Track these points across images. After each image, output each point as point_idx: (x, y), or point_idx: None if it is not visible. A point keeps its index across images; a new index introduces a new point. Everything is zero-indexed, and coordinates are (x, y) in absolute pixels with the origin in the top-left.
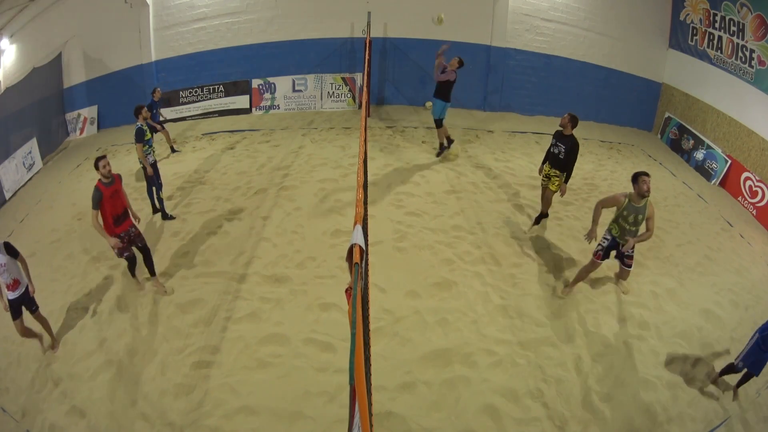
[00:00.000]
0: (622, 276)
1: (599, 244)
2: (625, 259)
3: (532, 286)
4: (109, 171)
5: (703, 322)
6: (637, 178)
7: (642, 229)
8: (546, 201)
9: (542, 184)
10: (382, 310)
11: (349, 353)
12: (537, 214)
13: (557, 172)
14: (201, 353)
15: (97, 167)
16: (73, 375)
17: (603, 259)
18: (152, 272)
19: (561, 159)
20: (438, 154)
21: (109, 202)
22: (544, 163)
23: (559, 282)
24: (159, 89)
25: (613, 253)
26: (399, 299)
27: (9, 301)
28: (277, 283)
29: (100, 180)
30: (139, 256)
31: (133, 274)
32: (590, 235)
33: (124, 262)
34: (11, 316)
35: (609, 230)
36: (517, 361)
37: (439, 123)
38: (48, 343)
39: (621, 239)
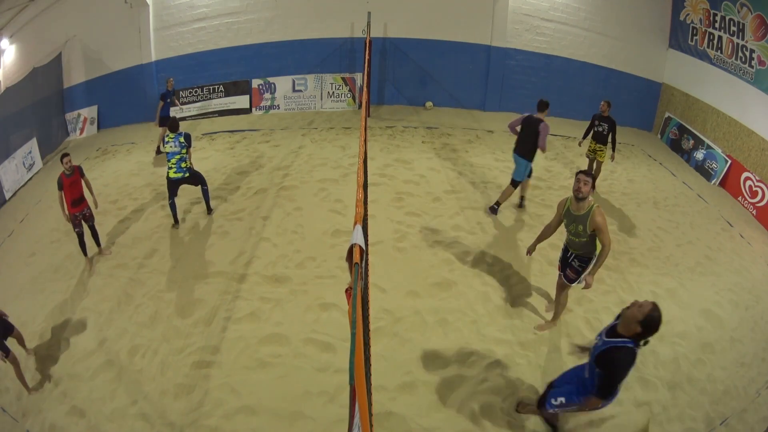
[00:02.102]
0: (559, 292)
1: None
2: (567, 271)
3: (532, 285)
4: (71, 166)
5: (703, 322)
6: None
7: (592, 245)
8: (597, 171)
9: (589, 157)
10: (382, 310)
11: (349, 353)
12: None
13: (602, 146)
14: (201, 353)
15: (62, 162)
16: (73, 375)
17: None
18: (98, 244)
19: (605, 135)
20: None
21: (69, 189)
22: (584, 137)
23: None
24: (171, 79)
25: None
26: (399, 299)
27: None
28: (277, 283)
29: (63, 171)
30: (89, 232)
31: (84, 253)
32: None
33: (124, 262)
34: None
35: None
36: (517, 361)
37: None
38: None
39: (571, 248)
